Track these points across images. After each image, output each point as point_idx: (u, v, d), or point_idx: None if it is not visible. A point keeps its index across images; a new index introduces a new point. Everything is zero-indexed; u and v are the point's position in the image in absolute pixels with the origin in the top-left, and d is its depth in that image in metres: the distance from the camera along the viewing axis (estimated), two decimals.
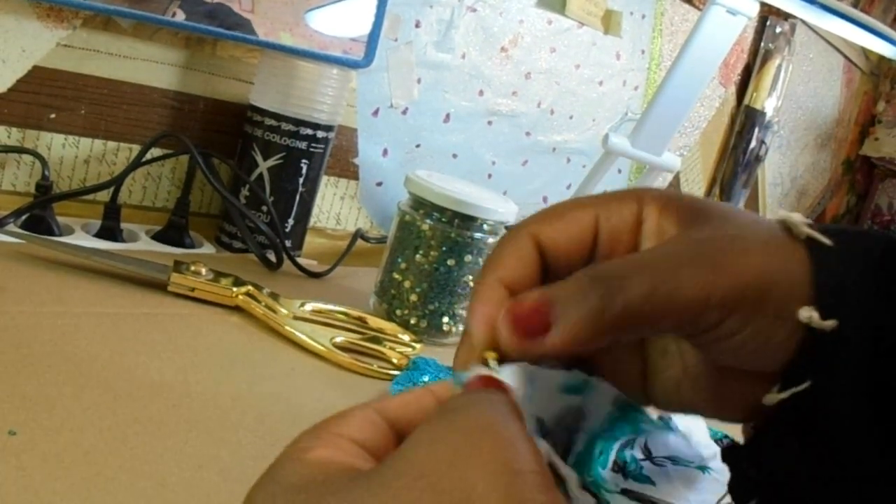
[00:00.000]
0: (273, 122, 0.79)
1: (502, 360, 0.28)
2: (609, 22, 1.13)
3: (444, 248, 0.71)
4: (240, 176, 0.81)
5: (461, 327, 0.74)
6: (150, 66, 0.79)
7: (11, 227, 0.68)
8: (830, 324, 0.26)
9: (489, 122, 1.07)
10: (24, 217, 0.71)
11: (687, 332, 0.27)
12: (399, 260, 0.73)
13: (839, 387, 0.26)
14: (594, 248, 0.30)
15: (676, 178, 1.38)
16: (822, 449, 0.26)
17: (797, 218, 0.28)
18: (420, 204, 0.72)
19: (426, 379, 0.60)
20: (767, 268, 0.26)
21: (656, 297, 0.26)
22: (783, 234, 0.28)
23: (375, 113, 0.95)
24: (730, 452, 0.30)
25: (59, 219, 0.73)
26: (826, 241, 0.27)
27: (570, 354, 0.28)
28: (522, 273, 0.30)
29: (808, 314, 0.26)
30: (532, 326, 0.27)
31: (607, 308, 0.26)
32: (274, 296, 0.67)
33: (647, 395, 0.32)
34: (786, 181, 1.61)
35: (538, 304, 0.27)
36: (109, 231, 0.75)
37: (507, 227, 0.77)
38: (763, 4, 0.84)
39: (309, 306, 0.68)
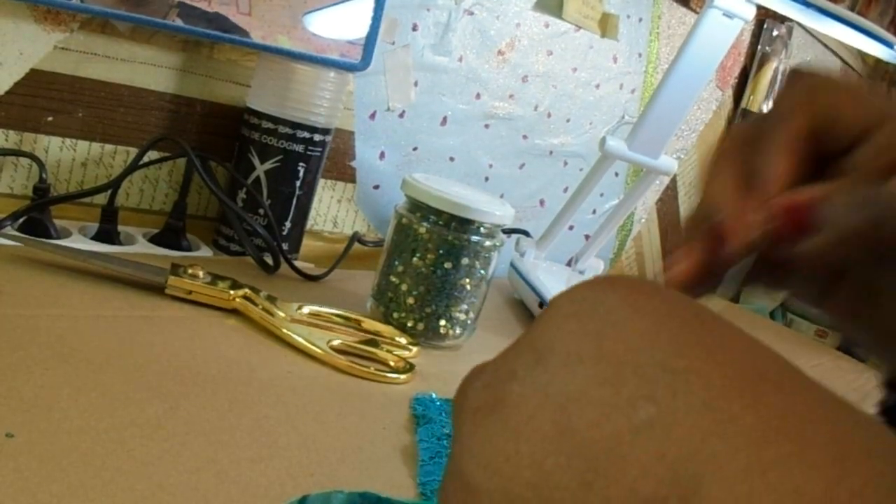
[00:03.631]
0: (270, 125, 0.79)
1: None
2: (606, 25, 1.13)
3: (440, 251, 0.71)
4: (237, 179, 0.81)
5: (458, 330, 0.75)
6: (147, 69, 0.79)
7: (9, 230, 0.68)
8: None
9: (486, 126, 1.07)
10: (21, 220, 0.71)
11: None
12: (396, 263, 0.73)
13: None
14: (860, 140, 0.30)
15: (673, 181, 1.38)
16: None
17: None
18: (417, 207, 0.72)
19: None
20: None
21: None
22: None
23: (372, 116, 0.96)
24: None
25: (57, 221, 0.73)
26: None
27: (811, 257, 0.28)
28: (809, 131, 0.30)
29: None
30: (795, 225, 0.27)
31: (871, 232, 0.26)
32: (271, 299, 0.67)
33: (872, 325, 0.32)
34: None
35: (808, 202, 0.27)
36: (107, 234, 0.75)
37: (506, 231, 0.77)
38: (760, 8, 0.84)
39: (306, 309, 0.68)
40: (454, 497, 0.22)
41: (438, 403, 0.60)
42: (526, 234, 1.07)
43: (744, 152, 0.31)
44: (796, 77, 0.31)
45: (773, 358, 0.20)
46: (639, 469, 0.18)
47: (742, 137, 0.31)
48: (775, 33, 1.38)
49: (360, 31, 0.83)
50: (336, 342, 0.65)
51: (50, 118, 0.76)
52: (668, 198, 1.40)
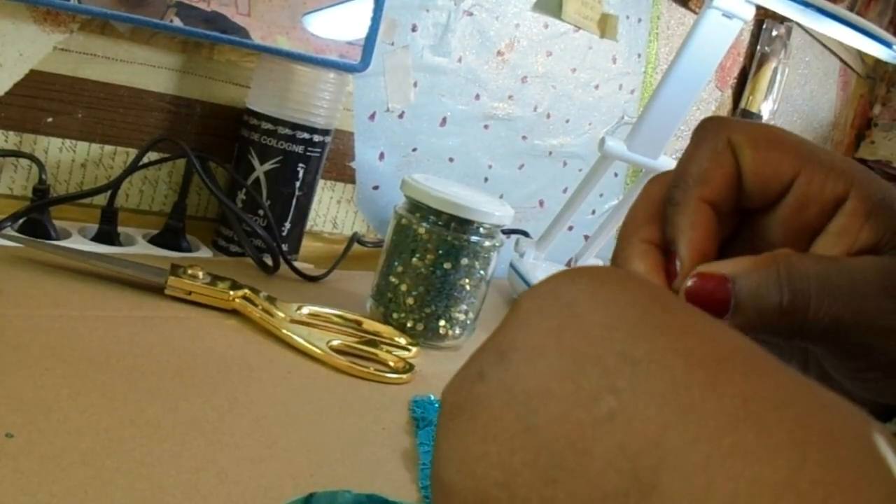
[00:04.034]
0: (270, 126, 0.79)
1: None
2: (605, 26, 1.13)
3: (440, 252, 0.71)
4: (236, 180, 0.81)
5: (458, 330, 0.75)
6: (146, 70, 0.79)
7: (8, 231, 0.68)
8: None
9: (485, 126, 1.07)
10: (21, 221, 0.71)
11: (852, 353, 0.27)
12: (396, 263, 0.73)
13: None
14: (784, 194, 0.28)
15: None
16: None
17: None
18: (417, 207, 0.73)
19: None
20: None
21: (840, 327, 0.25)
22: None
23: (372, 117, 0.96)
24: None
25: (56, 222, 0.73)
26: None
27: None
28: (725, 192, 0.28)
29: None
30: (711, 304, 0.26)
31: (788, 315, 0.25)
32: (271, 299, 0.67)
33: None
34: None
35: (722, 281, 0.26)
36: (106, 235, 0.75)
37: (505, 231, 0.77)
38: (759, 8, 0.84)
39: (306, 310, 0.68)
40: (436, 499, 0.22)
41: (437, 405, 0.60)
42: (525, 234, 1.07)
43: (657, 219, 0.29)
44: (705, 133, 0.29)
45: (737, 341, 0.20)
46: (602, 463, 0.18)
47: (656, 203, 0.30)
48: (774, 33, 1.38)
49: (360, 31, 0.84)
50: (336, 343, 0.65)
51: (49, 119, 0.76)
52: None
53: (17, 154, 0.74)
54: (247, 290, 0.67)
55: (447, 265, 0.71)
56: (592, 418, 0.19)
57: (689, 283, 0.27)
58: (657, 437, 0.18)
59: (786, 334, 0.26)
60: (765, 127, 0.29)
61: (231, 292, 0.66)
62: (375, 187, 1.00)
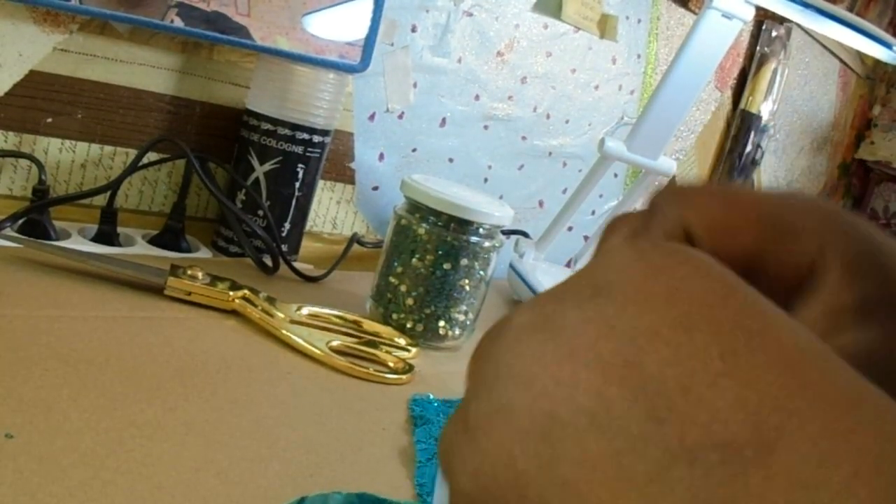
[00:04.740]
0: (269, 127, 0.79)
1: None
2: (605, 26, 1.13)
3: (440, 252, 0.71)
4: (236, 180, 0.81)
5: (457, 331, 0.75)
6: (146, 70, 0.79)
7: (8, 232, 0.68)
8: None
9: (485, 127, 1.07)
10: (20, 221, 0.71)
11: None
12: (395, 264, 0.73)
13: None
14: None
15: (672, 182, 1.39)
16: None
17: None
18: (416, 208, 0.73)
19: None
20: None
21: None
22: None
23: (372, 117, 0.96)
24: None
25: (56, 223, 0.73)
26: None
27: None
28: None
29: None
30: None
31: None
32: (270, 300, 0.67)
33: None
34: (782, 185, 1.62)
35: None
36: (106, 235, 0.75)
37: (505, 232, 0.77)
38: (759, 9, 0.84)
39: (305, 310, 0.68)
40: (481, 420, 0.20)
41: (436, 405, 0.60)
42: (525, 235, 1.08)
43: None
44: (658, 208, 0.26)
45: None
46: (715, 413, 0.18)
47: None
48: (774, 34, 1.38)
49: (360, 32, 0.84)
50: (335, 343, 0.65)
51: (49, 119, 0.76)
52: None
53: (16, 154, 0.74)
54: (246, 291, 0.67)
55: (447, 266, 0.71)
56: (708, 371, 0.18)
57: None
58: (783, 401, 0.17)
59: None
60: (721, 196, 0.25)
61: (231, 293, 0.66)
62: (375, 188, 1.00)
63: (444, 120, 1.02)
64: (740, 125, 1.41)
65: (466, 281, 0.73)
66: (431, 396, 0.61)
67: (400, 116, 0.98)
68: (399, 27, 0.93)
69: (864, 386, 0.18)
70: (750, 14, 0.84)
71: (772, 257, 0.25)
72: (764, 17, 1.36)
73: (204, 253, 0.81)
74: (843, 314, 0.24)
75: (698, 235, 0.25)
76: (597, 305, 0.20)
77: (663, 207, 0.26)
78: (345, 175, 0.97)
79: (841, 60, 1.59)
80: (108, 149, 0.80)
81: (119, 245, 0.76)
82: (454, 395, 0.64)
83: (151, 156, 0.79)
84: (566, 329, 0.20)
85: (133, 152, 0.80)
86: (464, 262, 0.72)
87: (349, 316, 0.71)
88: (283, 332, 0.64)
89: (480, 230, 0.72)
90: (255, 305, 0.66)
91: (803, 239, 0.24)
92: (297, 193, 0.83)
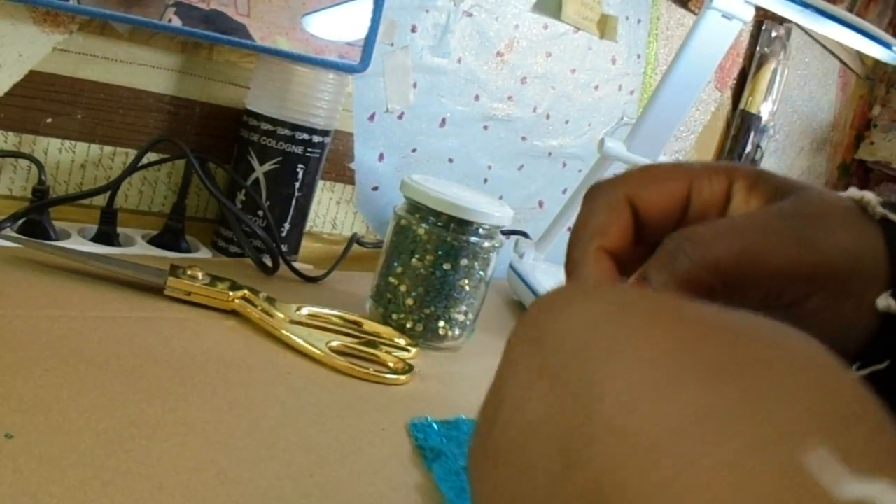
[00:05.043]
0: (269, 127, 0.79)
1: None
2: (605, 27, 1.13)
3: (440, 253, 0.71)
4: (236, 180, 0.81)
5: (457, 331, 0.75)
6: (146, 70, 0.79)
7: (8, 232, 0.68)
8: None
9: (485, 127, 1.07)
10: (20, 221, 0.71)
11: (771, 304, 0.27)
12: (395, 264, 0.73)
13: None
14: (683, 217, 0.31)
15: None
16: None
17: (871, 197, 0.28)
18: (416, 208, 0.73)
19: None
20: (851, 248, 0.27)
21: (745, 260, 0.26)
22: (860, 213, 0.28)
23: (371, 117, 0.96)
24: None
25: (56, 223, 0.73)
26: None
27: None
28: (623, 240, 0.30)
29: (885, 303, 0.26)
30: None
31: (696, 267, 0.26)
32: (270, 300, 0.67)
33: None
34: None
35: (638, 283, 0.27)
36: (106, 235, 0.75)
37: (505, 232, 0.77)
38: (758, 9, 0.84)
39: (305, 310, 0.68)
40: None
41: (437, 428, 0.57)
42: (525, 235, 1.08)
43: (609, 226, 0.31)
44: (597, 192, 0.31)
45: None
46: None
47: (605, 209, 0.32)
48: (774, 34, 1.38)
49: (359, 32, 0.84)
50: (335, 343, 0.65)
51: (49, 120, 0.76)
52: None
53: (16, 155, 0.74)
54: (246, 291, 0.67)
55: (447, 266, 0.71)
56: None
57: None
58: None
59: (715, 292, 0.27)
60: (647, 167, 0.31)
61: (230, 293, 0.66)
62: (375, 188, 1.00)
63: (443, 120, 1.02)
64: (740, 125, 1.41)
65: (466, 281, 0.73)
66: (430, 419, 0.58)
67: (400, 117, 0.98)
68: (399, 27, 0.93)
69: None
70: (750, 14, 0.84)
71: (697, 197, 0.30)
72: (764, 18, 1.36)
73: (204, 253, 0.81)
74: (753, 204, 0.29)
75: (637, 193, 0.30)
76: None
77: (601, 188, 0.31)
78: (345, 175, 0.97)
79: (841, 61, 1.59)
80: (108, 149, 0.80)
81: (119, 245, 0.76)
82: (452, 400, 0.64)
83: (151, 156, 0.79)
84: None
85: (133, 152, 0.80)
86: (464, 262, 0.72)
87: (349, 316, 0.71)
88: (283, 332, 0.64)
89: (480, 230, 0.72)
90: (255, 306, 0.66)
91: (716, 175, 0.31)
92: (296, 194, 0.83)
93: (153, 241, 0.79)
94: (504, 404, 0.21)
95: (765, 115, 1.42)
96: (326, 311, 0.70)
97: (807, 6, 0.78)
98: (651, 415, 0.17)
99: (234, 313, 0.67)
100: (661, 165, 0.31)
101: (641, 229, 0.30)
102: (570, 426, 0.19)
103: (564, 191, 1.20)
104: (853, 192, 0.29)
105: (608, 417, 0.18)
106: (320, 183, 0.92)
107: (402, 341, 0.70)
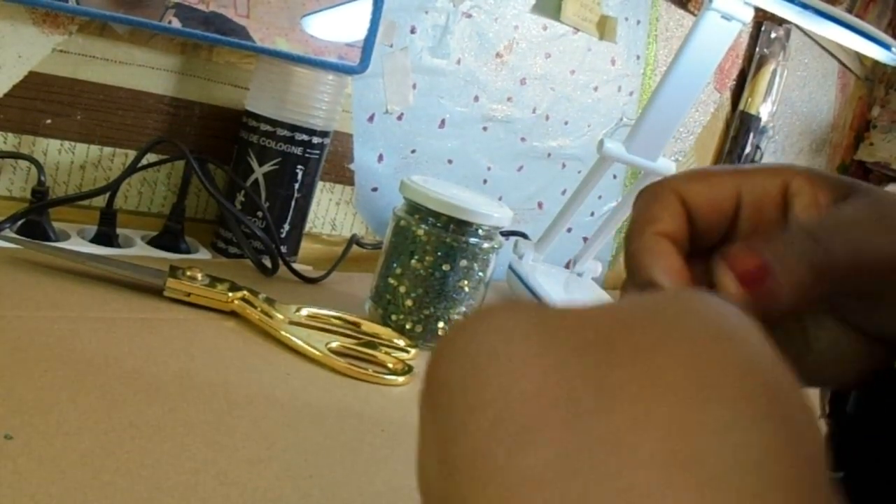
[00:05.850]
0: (269, 128, 0.79)
1: None
2: (604, 28, 1.13)
3: (439, 254, 0.71)
4: (235, 181, 0.81)
5: None
6: (145, 71, 0.79)
7: (7, 233, 0.68)
8: None
9: (484, 128, 1.07)
10: (20, 222, 0.71)
11: (872, 296, 0.28)
12: (394, 265, 0.73)
13: None
14: (735, 217, 0.30)
15: None
16: None
17: None
18: (415, 209, 0.73)
19: None
20: None
21: (862, 256, 0.26)
22: None
23: (371, 118, 0.96)
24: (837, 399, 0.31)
25: (55, 224, 0.73)
26: None
27: (789, 307, 0.27)
28: (677, 228, 0.30)
29: None
30: (754, 278, 0.26)
31: (823, 261, 0.26)
32: (269, 301, 0.67)
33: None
34: None
35: (756, 254, 0.27)
36: (105, 236, 0.75)
37: (504, 233, 0.77)
38: (758, 10, 0.84)
39: (304, 311, 0.68)
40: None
41: None
42: (524, 236, 1.08)
43: (666, 214, 0.31)
44: (647, 191, 0.31)
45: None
46: None
47: (660, 200, 0.31)
48: (773, 35, 1.38)
49: (359, 33, 0.84)
50: (334, 344, 0.65)
51: (48, 121, 0.76)
52: None
53: (15, 156, 0.74)
54: (246, 292, 0.67)
55: (446, 267, 0.72)
56: None
57: (734, 288, 0.27)
58: None
59: (837, 285, 0.27)
60: (695, 169, 0.32)
61: (230, 294, 0.66)
62: (374, 189, 1.00)
63: (443, 121, 1.02)
64: (739, 126, 1.42)
65: (465, 282, 0.73)
66: None
67: (399, 118, 0.98)
68: (398, 28, 0.94)
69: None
70: (749, 15, 0.84)
71: (750, 194, 0.30)
72: (763, 19, 1.36)
73: (203, 254, 0.81)
74: (823, 204, 0.29)
75: (686, 187, 0.30)
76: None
77: (650, 188, 0.31)
78: (344, 176, 0.97)
79: (840, 62, 1.59)
80: (108, 150, 0.80)
81: (118, 246, 0.76)
82: None
83: (151, 157, 0.79)
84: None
85: (132, 153, 0.80)
86: (463, 263, 0.72)
87: (348, 317, 0.71)
88: (283, 333, 0.64)
89: (479, 231, 0.72)
90: (255, 306, 0.66)
91: (770, 174, 0.30)
92: (296, 195, 0.83)
93: (152, 242, 0.79)
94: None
95: (764, 116, 1.42)
96: (326, 311, 0.70)
97: (806, 7, 0.78)
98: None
99: (233, 314, 0.67)
100: (708, 168, 0.31)
101: (693, 228, 0.30)
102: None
103: (564, 192, 1.20)
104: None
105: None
106: (320, 184, 0.92)
107: (401, 342, 0.70)
